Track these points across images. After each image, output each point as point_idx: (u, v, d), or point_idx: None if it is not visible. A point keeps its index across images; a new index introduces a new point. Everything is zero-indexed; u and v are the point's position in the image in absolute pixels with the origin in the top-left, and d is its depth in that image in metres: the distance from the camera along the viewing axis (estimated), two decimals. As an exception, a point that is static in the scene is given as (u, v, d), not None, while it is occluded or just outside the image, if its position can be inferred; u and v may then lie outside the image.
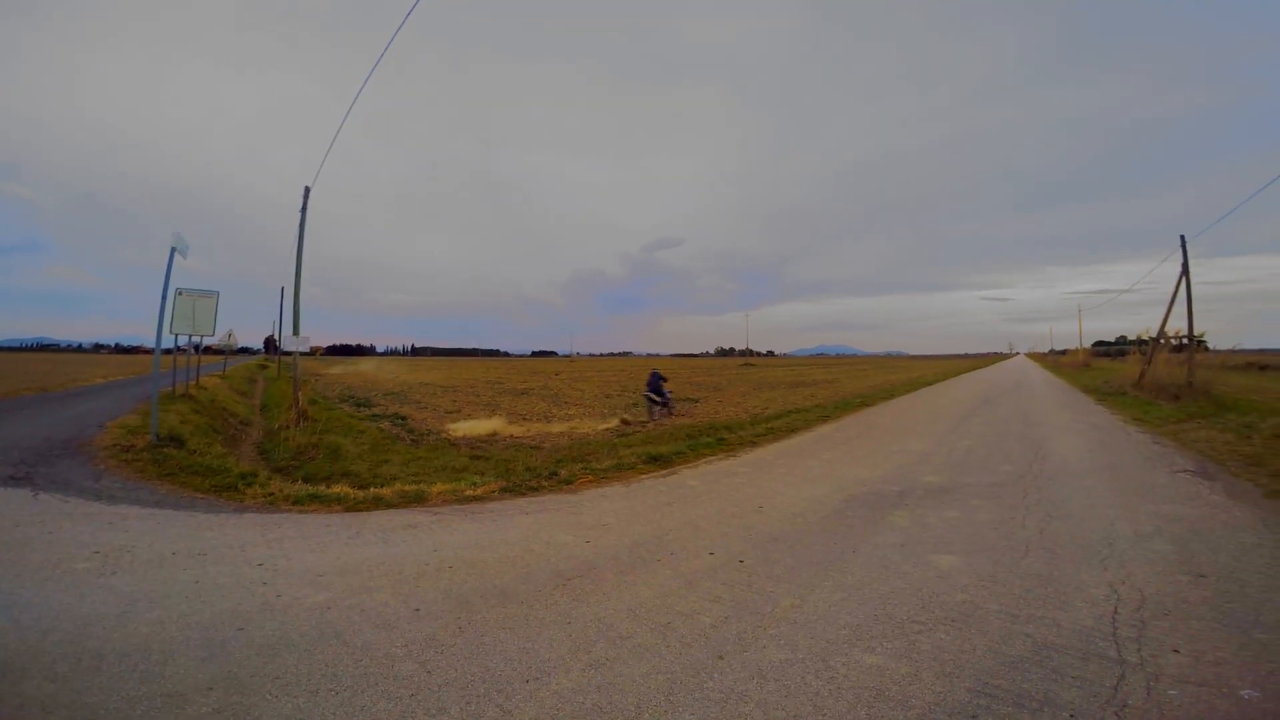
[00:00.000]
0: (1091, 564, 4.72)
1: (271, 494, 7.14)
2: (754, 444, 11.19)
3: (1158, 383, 20.31)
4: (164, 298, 10.28)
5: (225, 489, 7.42)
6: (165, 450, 9.18)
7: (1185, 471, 8.20)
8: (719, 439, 11.39)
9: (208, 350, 26.26)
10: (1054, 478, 7.90)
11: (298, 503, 6.83)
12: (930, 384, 31.66)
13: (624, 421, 16.26)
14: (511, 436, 14.10)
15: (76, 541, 5.10)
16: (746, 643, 3.45)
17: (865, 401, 20.22)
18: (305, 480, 8.43)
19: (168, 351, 12.11)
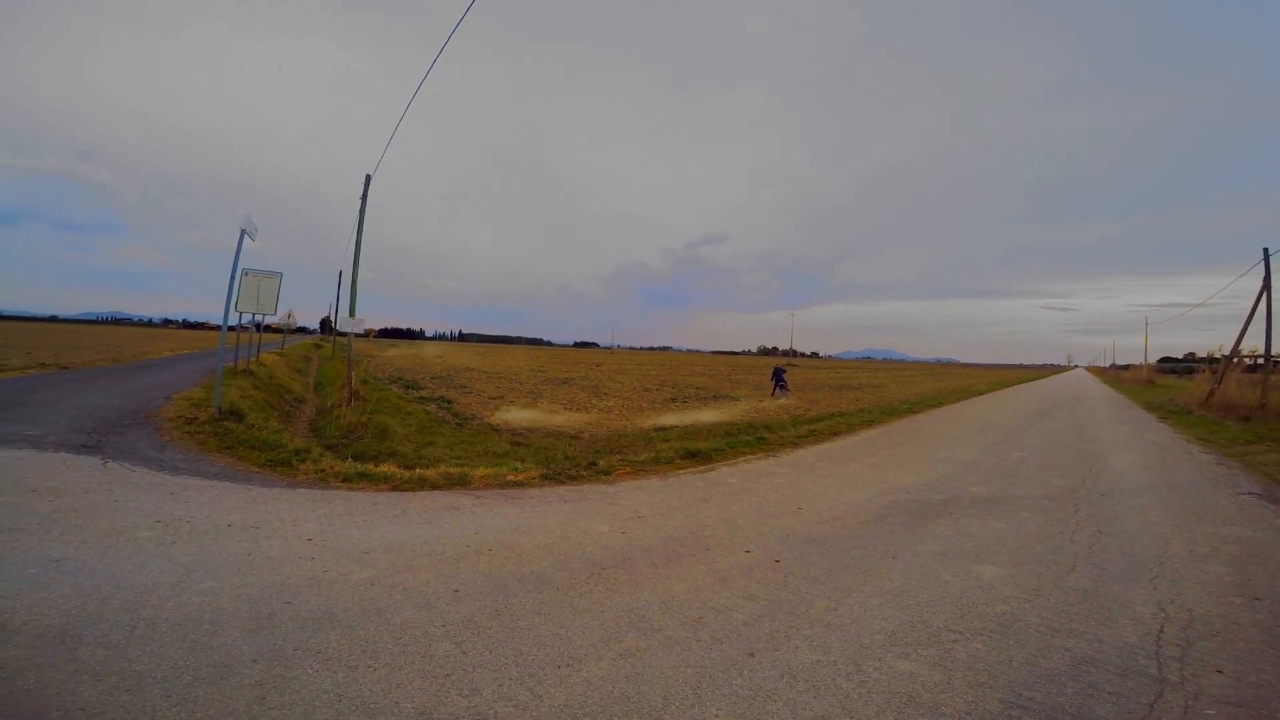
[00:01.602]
0: (1141, 582, 4.57)
1: (323, 470, 7.41)
2: (795, 445, 11.10)
3: (1227, 402, 19.30)
4: (233, 277, 10.71)
5: (280, 464, 7.73)
6: (225, 424, 9.62)
7: (1250, 494, 7.81)
8: (759, 438, 11.33)
9: (268, 329, 27.29)
10: (1108, 494, 7.61)
11: (347, 480, 7.07)
12: (981, 394, 30.81)
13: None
14: (586, 431, 14.25)
15: (140, 510, 5.35)
16: (778, 642, 3.45)
17: (912, 408, 19.80)
18: (354, 458, 8.71)
19: (232, 328, 12.63)
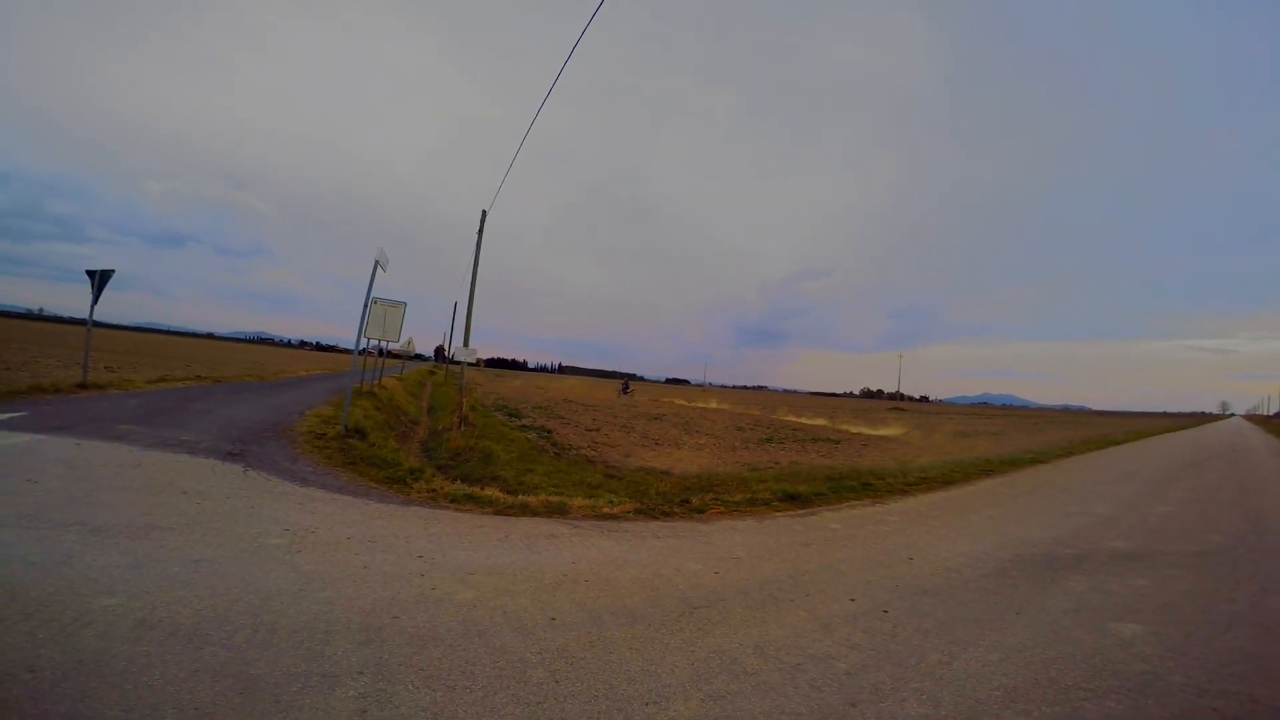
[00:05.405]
0: (1315, 643, 4.01)
1: (434, 491, 7.76)
2: (905, 492, 10.47)
3: None
4: (365, 305, 11.57)
5: (396, 481, 8.17)
6: (350, 441, 10.34)
7: None
8: (864, 484, 10.78)
9: (390, 354, 29.22)
10: (1276, 551, 6.73)
11: (455, 501, 7.36)
12: (1119, 443, 27.92)
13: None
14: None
15: (272, 518, 5.75)
16: (884, 694, 3.23)
17: (1037, 458, 18.18)
18: (462, 480, 9.08)
19: (360, 353, 13.69)
